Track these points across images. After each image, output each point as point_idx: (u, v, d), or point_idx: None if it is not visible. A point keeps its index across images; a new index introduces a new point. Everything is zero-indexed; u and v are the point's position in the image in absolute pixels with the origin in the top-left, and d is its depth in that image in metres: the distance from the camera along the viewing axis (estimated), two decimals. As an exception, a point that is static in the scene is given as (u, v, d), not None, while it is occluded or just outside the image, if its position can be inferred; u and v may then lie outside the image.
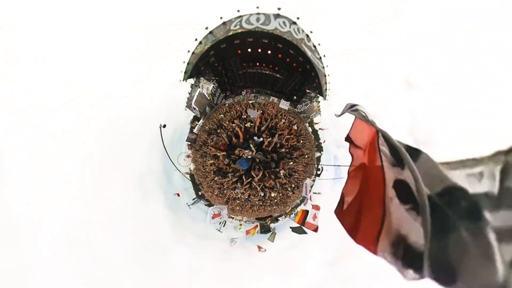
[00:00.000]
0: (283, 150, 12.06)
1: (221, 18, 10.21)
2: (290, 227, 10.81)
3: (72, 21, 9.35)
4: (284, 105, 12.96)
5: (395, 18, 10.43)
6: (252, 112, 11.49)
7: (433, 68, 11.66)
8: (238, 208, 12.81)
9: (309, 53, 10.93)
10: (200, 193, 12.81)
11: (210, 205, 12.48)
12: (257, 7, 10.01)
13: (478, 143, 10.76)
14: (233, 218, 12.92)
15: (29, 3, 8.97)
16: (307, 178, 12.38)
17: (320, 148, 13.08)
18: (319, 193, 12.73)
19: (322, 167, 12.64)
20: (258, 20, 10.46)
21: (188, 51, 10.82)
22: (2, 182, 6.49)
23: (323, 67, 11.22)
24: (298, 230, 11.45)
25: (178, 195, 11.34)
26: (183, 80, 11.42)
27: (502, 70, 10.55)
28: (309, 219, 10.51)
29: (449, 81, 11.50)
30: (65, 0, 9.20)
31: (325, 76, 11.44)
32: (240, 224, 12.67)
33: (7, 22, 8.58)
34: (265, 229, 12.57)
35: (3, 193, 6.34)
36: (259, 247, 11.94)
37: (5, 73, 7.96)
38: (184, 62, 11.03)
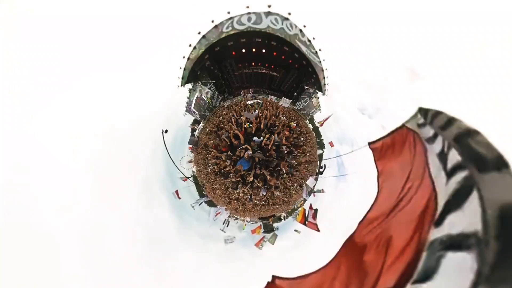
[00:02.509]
0: (284, 149, 11.91)
1: (212, 21, 10.31)
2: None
3: (69, 30, 10.01)
4: (285, 102, 12.76)
5: (395, 5, 9.65)
6: (248, 114, 11.49)
7: (438, 56, 10.62)
8: (241, 208, 12.95)
9: (303, 49, 10.63)
10: (204, 194, 13.16)
11: (211, 204, 12.78)
12: (247, 7, 9.93)
13: (486, 132, 9.67)
14: (237, 218, 13.09)
15: (27, 6, 9.70)
16: (309, 177, 12.12)
17: (321, 145, 12.71)
18: (322, 191, 12.37)
19: (324, 165, 12.28)
20: (249, 19, 10.38)
21: (184, 57, 11.10)
22: (16, 191, 7.27)
23: (320, 62, 10.84)
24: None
25: (177, 194, 11.72)
26: (181, 85, 11.75)
27: (505, 58, 9.31)
28: (310, 218, 10.29)
29: (454, 69, 10.40)
30: (61, 10, 9.85)
31: (322, 70, 11.04)
32: (245, 224, 12.80)
33: (8, 24, 9.38)
34: (268, 229, 12.57)
35: (17, 201, 7.10)
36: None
37: (5, 81, 8.82)
38: (180, 68, 11.34)
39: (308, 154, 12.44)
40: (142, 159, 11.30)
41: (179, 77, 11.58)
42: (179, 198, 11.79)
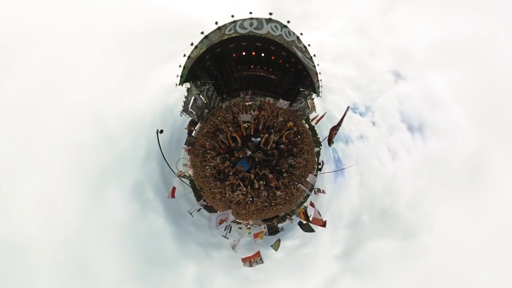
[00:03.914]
0: (283, 147, 12.16)
1: (216, 23, 10.67)
2: (298, 224, 10.52)
3: (66, 28, 9.06)
4: (283, 104, 13.32)
5: (383, 15, 11.67)
6: (245, 116, 11.64)
7: (417, 57, 13.08)
8: (243, 211, 12.32)
9: (299, 54, 11.65)
10: (203, 199, 12.18)
11: (211, 210, 11.86)
12: (250, 13, 10.66)
13: (467, 122, 11.90)
14: (239, 222, 12.33)
15: (28, 5, 8.57)
16: (309, 174, 12.46)
17: (318, 143, 13.42)
18: (323, 192, 12.70)
19: (322, 161, 12.87)
20: (251, 24, 11.09)
21: (184, 55, 10.96)
22: (2, 200, 5.60)
23: (314, 66, 11.94)
24: (306, 228, 11.14)
25: (174, 189, 10.46)
26: (179, 84, 11.37)
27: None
28: (315, 215, 10.35)
29: (430, 68, 12.94)
30: (61, 7, 8.97)
31: (316, 74, 12.13)
32: (249, 228, 12.09)
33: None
34: (272, 230, 12.09)
35: (3, 210, 5.44)
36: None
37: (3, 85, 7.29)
38: (180, 66, 11.10)
39: (306, 152, 12.92)
40: (135, 161, 10.11)
41: (177, 75, 11.26)
42: (173, 197, 10.39)
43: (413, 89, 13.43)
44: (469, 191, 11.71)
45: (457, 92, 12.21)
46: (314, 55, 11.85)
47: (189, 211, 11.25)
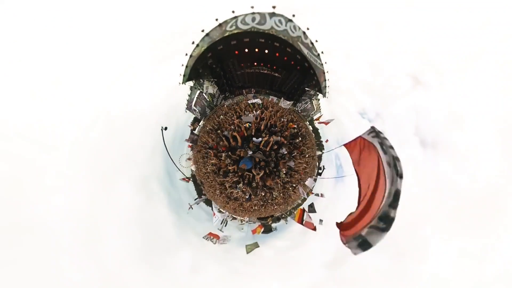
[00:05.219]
0: (283, 150, 11.96)
1: (216, 20, 10.30)
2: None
3: (70, 29, 9.78)
4: (285, 104, 12.81)
5: (399, 10, 9.78)
6: (246, 118, 11.50)
7: (442, 63, 10.86)
8: (239, 208, 12.90)
9: (305, 51, 10.75)
10: (202, 193, 13.06)
11: (209, 203, 12.68)
12: (252, 7, 9.96)
13: (490, 148, 10.03)
14: (235, 218, 13.05)
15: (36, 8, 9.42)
16: (308, 178, 12.21)
17: (321, 147, 12.83)
18: (321, 196, 12.42)
19: (323, 166, 12.41)
20: (253, 20, 10.43)
21: (186, 54, 11.02)
22: (19, 189, 6.97)
23: (321, 64, 10.98)
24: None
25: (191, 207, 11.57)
26: (182, 82, 11.66)
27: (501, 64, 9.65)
28: (307, 218, 10.38)
29: (457, 77, 10.68)
30: (61, 8, 9.61)
31: (323, 73, 11.19)
32: (243, 224, 12.76)
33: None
34: (266, 229, 12.57)
35: (19, 197, 6.80)
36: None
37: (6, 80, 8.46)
38: (182, 65, 11.26)
39: (307, 155, 12.52)
40: (141, 156, 11.13)
41: (180, 74, 11.50)
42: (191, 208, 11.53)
43: (433, 98, 11.26)
44: (478, 227, 10.09)
45: (484, 110, 9.97)
46: (322, 52, 10.83)
47: (189, 204, 12.23)
